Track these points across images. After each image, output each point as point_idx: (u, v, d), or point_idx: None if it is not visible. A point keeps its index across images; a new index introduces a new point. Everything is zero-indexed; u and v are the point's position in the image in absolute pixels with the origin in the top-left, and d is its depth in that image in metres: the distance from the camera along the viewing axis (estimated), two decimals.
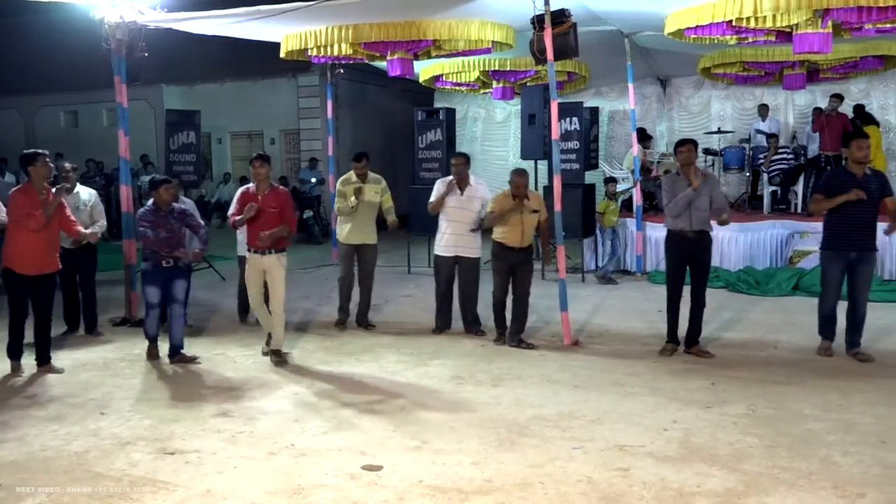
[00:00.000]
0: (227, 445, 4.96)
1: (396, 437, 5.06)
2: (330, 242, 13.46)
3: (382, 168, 19.21)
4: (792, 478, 4.34)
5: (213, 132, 19.36)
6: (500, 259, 7.40)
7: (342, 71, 12.91)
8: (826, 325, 6.87)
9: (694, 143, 7.04)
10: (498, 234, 7.35)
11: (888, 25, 8.77)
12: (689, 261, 6.88)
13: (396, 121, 18.15)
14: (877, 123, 12.29)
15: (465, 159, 7.95)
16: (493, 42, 9.63)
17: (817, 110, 12.80)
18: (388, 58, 9.88)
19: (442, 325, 7.97)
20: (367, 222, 8.22)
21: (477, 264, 7.82)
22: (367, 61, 11.15)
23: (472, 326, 7.86)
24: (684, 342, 6.95)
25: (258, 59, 14.34)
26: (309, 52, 10.07)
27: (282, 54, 10.11)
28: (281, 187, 7.21)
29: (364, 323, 8.30)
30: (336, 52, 10.09)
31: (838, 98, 12.37)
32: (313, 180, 16.87)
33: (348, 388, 6.17)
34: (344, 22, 9.18)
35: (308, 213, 15.74)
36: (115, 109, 9.15)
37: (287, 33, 9.70)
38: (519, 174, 7.32)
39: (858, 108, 12.75)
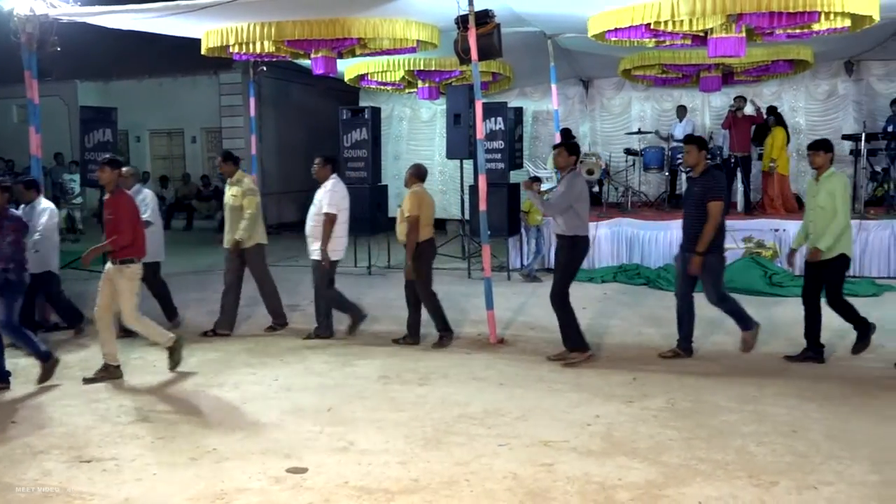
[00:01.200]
0: (146, 452, 4.83)
1: (322, 439, 5.02)
2: None
3: (306, 167, 19.00)
4: (709, 468, 4.47)
5: (131, 130, 18.83)
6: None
7: (265, 68, 12.70)
8: (683, 324, 6.92)
9: (566, 145, 7.07)
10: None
11: (797, 31, 9.14)
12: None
13: (321, 119, 17.96)
14: (784, 125, 12.78)
15: (324, 161, 7.74)
16: (417, 41, 9.64)
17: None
18: (312, 56, 9.78)
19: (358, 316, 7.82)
20: (232, 226, 7.84)
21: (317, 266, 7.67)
22: (290, 59, 11.02)
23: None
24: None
25: (178, 55, 14.01)
26: (230, 50, 9.90)
27: (203, 51, 9.90)
28: (126, 193, 6.71)
29: (272, 324, 8.10)
30: (258, 50, 9.95)
31: (742, 99, 12.81)
32: None
33: (273, 390, 6.09)
34: (266, 19, 9.04)
35: None
36: (25, 106, 8.80)
37: (207, 29, 9.50)
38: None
39: (771, 110, 13.22)
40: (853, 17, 8.46)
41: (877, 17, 8.52)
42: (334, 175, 7.63)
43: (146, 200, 7.81)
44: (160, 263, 8.22)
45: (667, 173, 13.32)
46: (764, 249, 10.51)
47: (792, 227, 10.08)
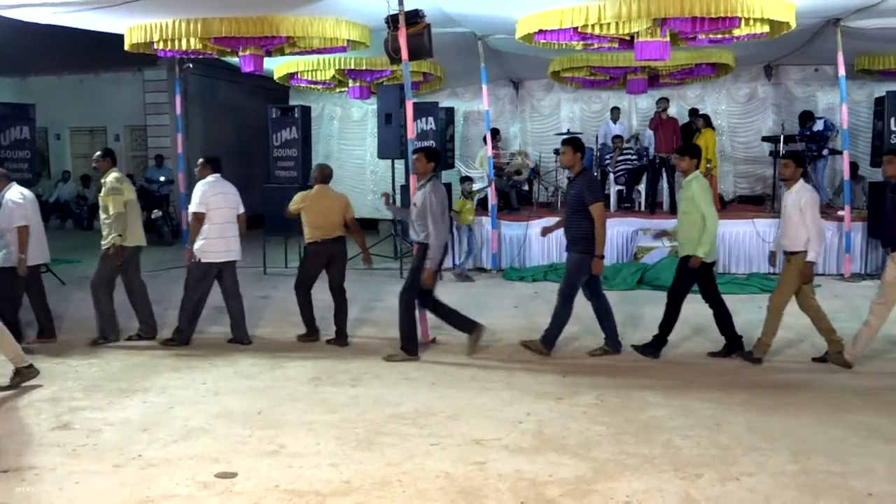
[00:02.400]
0: (67, 460, 4.67)
1: (252, 442, 4.94)
2: (180, 243, 12.99)
3: (236, 166, 18.70)
4: (637, 462, 4.57)
5: (51, 128, 18.22)
6: None
7: (191, 66, 12.46)
8: (603, 322, 7.04)
9: (425, 150, 7.04)
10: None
11: (719, 36, 9.43)
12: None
13: (250, 118, 17.68)
14: (713, 126, 13.16)
15: (204, 162, 7.50)
16: (348, 41, 9.59)
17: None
18: (240, 54, 9.63)
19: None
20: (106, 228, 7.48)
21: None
22: (217, 57, 10.82)
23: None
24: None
25: (100, 50, 13.56)
26: (155, 46, 9.66)
27: (126, 47, 9.65)
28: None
29: (138, 332, 7.66)
30: (184, 47, 9.75)
31: (665, 101, 13.13)
32: (162, 179, 16.19)
33: (201, 394, 5.97)
34: (192, 15, 8.87)
35: (157, 214, 15.06)
36: None
37: (130, 25, 9.26)
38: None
39: (693, 112, 13.58)
40: (771, 23, 8.79)
41: (793, 24, 8.87)
42: (214, 174, 7.39)
43: (17, 201, 7.14)
44: (42, 266, 7.84)
45: (596, 173, 13.53)
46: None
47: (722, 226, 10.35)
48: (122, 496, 4.18)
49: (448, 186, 11.42)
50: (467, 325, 7.10)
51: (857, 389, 5.93)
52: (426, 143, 10.58)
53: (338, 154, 16.37)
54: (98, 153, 7.61)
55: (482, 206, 12.13)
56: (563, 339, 7.44)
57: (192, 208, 7.27)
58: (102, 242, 7.47)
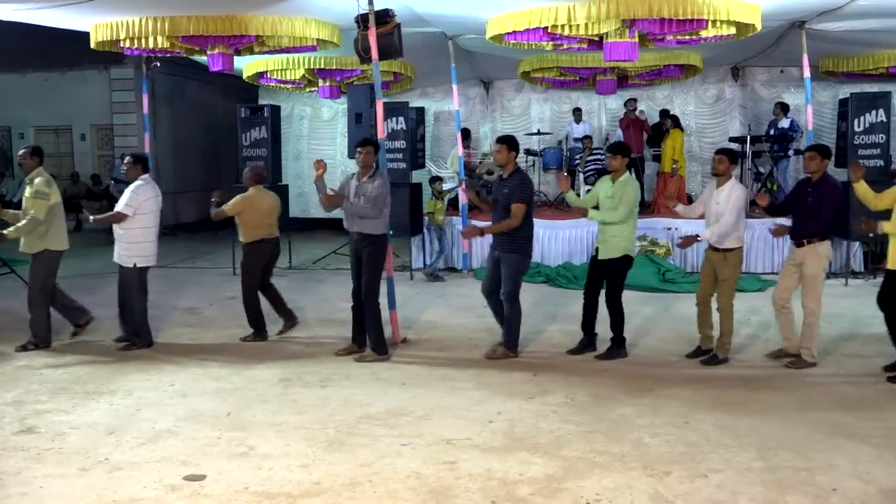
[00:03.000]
0: (31, 464, 4.60)
1: (221, 444, 4.90)
2: None
3: (205, 166, 18.57)
4: (606, 460, 4.60)
5: (14, 126, 17.94)
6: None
7: (158, 64, 12.32)
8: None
9: (375, 143, 7.07)
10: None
11: (687, 37, 9.52)
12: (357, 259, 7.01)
13: (219, 117, 17.54)
14: (681, 127, 13.30)
15: (133, 160, 7.29)
16: (317, 40, 9.54)
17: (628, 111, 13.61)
18: (209, 53, 9.54)
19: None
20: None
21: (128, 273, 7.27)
22: (185, 55, 10.71)
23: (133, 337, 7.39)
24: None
25: (65, 48, 13.43)
26: (121, 44, 9.54)
27: (92, 45, 9.51)
28: None
29: (29, 342, 7.29)
30: (151, 45, 9.64)
31: (634, 101, 13.24)
32: None
33: (169, 396, 5.91)
34: (159, 13, 8.76)
35: None
36: None
37: (96, 22, 9.13)
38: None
39: (665, 112, 13.72)
40: (738, 25, 8.89)
41: (759, 26, 8.98)
42: (145, 175, 7.22)
43: None
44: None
45: (566, 173, 13.61)
46: (658, 247, 10.89)
47: (684, 225, 10.48)
48: (88, 500, 4.12)
49: (419, 186, 11.44)
50: (289, 315, 7.77)
51: (822, 387, 6.02)
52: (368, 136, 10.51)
53: (308, 154, 16.26)
54: (25, 150, 7.26)
55: (453, 206, 12.14)
56: (533, 338, 7.48)
57: (119, 208, 7.11)
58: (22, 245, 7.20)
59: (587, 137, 13.39)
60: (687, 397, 5.76)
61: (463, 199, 11.57)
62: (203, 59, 10.24)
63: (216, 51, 9.44)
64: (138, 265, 7.18)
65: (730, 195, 6.54)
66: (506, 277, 6.79)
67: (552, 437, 4.99)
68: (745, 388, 5.99)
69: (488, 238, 7.19)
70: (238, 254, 11.59)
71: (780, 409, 5.50)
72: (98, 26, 9.15)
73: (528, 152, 14.02)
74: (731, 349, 6.79)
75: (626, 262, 6.86)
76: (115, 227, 7.18)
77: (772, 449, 4.74)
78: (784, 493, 4.13)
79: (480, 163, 13.14)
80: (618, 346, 6.93)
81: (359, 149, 6.91)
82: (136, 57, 11.92)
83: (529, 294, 7.70)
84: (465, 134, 13.25)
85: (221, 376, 6.43)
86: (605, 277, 6.94)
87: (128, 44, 9.53)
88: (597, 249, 6.95)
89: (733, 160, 6.74)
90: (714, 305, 6.73)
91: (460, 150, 11.82)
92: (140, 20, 8.84)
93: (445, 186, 11.69)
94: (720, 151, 6.80)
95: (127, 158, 7.41)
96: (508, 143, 6.79)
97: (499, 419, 5.31)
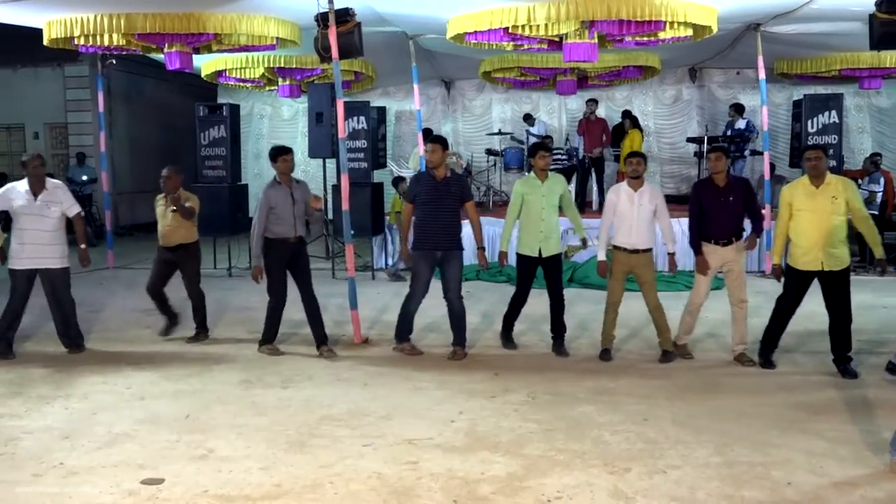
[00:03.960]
0: None
1: (180, 447, 4.83)
2: (104, 244, 12.63)
3: (163, 166, 18.30)
4: (567, 458, 4.63)
5: None
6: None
7: (114, 62, 12.12)
8: (404, 325, 7.08)
9: (287, 150, 7.12)
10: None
11: (645, 38, 9.64)
12: (290, 264, 7.06)
13: (177, 116, 17.29)
14: (640, 127, 13.45)
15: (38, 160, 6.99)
16: (277, 39, 9.46)
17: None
18: (166, 50, 9.41)
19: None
20: None
21: (60, 274, 6.98)
22: (142, 53, 10.55)
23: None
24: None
25: (18, 45, 13.13)
26: (75, 41, 9.37)
27: (45, 42, 9.31)
28: None
29: None
30: (106, 43, 9.48)
31: (594, 102, 13.37)
32: (84, 178, 15.72)
33: (125, 399, 5.81)
34: (115, 10, 8.62)
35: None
36: None
37: (49, 19, 8.95)
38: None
39: (626, 112, 13.88)
40: (695, 27, 9.03)
41: (715, 28, 9.13)
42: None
43: None
44: None
45: (526, 173, 13.68)
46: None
47: None
48: None
49: (380, 186, 11.41)
50: (173, 316, 7.73)
51: (778, 383, 6.12)
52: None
53: (268, 153, 16.13)
54: None
55: None
56: (494, 338, 7.49)
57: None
58: None
59: (548, 137, 13.48)
60: (646, 395, 5.82)
61: None
62: (160, 56, 10.10)
63: (173, 49, 9.32)
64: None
65: (652, 197, 6.72)
66: (457, 276, 6.91)
67: (513, 435, 5.01)
68: (704, 386, 6.07)
69: None
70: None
71: (737, 405, 5.58)
72: (52, 23, 8.98)
73: (489, 152, 14.08)
74: (689, 346, 6.92)
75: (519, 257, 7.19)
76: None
77: (729, 444, 4.81)
78: (740, 488, 4.20)
79: None
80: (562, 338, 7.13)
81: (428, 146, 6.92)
82: (92, 54, 11.72)
83: (491, 294, 7.75)
84: (427, 133, 13.23)
85: (180, 378, 6.34)
86: (553, 275, 7.11)
87: (82, 41, 9.35)
88: (540, 249, 7.03)
89: (645, 162, 6.92)
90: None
91: (421, 149, 11.79)
92: (95, 17, 8.69)
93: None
94: (636, 154, 6.95)
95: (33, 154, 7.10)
96: (443, 143, 6.88)
97: (460, 418, 5.32)
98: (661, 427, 5.13)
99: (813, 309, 8.38)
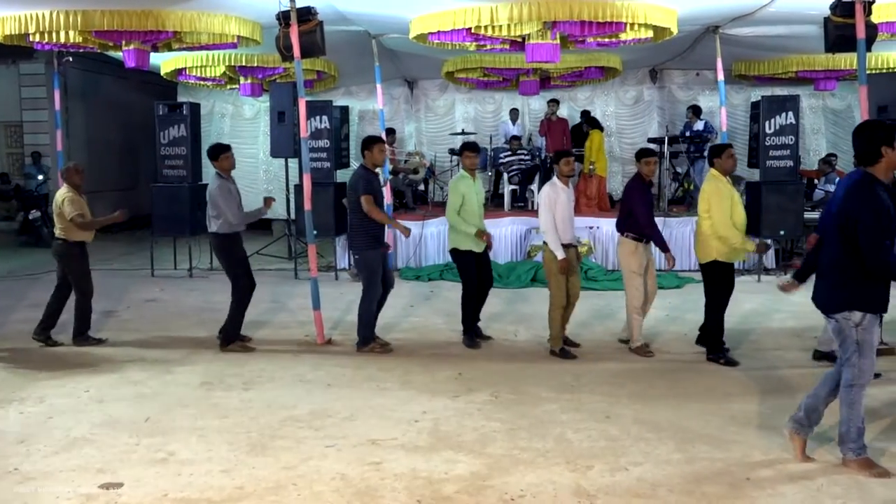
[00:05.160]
0: None
1: (139, 451, 4.76)
2: None
3: (121, 165, 18.04)
4: (530, 456, 4.65)
5: None
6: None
7: (70, 59, 11.89)
8: (371, 326, 7.14)
9: (228, 147, 7.44)
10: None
11: (606, 40, 9.72)
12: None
13: (136, 115, 17.02)
14: (601, 128, 13.56)
15: None
16: (238, 37, 9.36)
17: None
18: (124, 48, 9.24)
19: None
20: None
21: None
22: (99, 51, 10.37)
23: None
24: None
25: None
26: (31, 38, 9.17)
27: None
28: None
29: None
30: (63, 40, 9.29)
31: (555, 103, 13.44)
32: (40, 178, 15.42)
33: (83, 402, 5.71)
34: (71, 6, 8.45)
35: (35, 214, 14.34)
36: None
37: (3, 15, 8.75)
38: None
39: (585, 113, 13.98)
40: (655, 28, 9.12)
41: (675, 30, 9.24)
42: None
43: None
44: None
45: (490, 173, 13.73)
46: (580, 246, 11.06)
47: (606, 224, 10.69)
48: None
49: (343, 186, 11.34)
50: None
51: (738, 380, 6.22)
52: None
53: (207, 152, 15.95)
54: None
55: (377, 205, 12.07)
56: (458, 337, 7.51)
57: None
58: None
59: (515, 138, 13.56)
60: (608, 392, 5.88)
61: (388, 199, 11.53)
62: (118, 54, 9.93)
63: (131, 47, 9.15)
64: None
65: (571, 195, 7.02)
66: (364, 280, 7.13)
67: (477, 435, 5.02)
68: (665, 383, 6.14)
69: (414, 238, 7.42)
70: (157, 255, 11.35)
71: (697, 401, 5.66)
72: (5, 19, 8.77)
73: (453, 152, 14.05)
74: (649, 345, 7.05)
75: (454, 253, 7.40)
76: None
77: (689, 441, 4.87)
78: (701, 484, 4.26)
79: (405, 162, 13.14)
80: (471, 333, 7.35)
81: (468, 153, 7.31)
82: (47, 52, 11.48)
83: (454, 293, 7.75)
84: (390, 133, 13.23)
85: (139, 381, 6.25)
86: (487, 267, 7.40)
87: (38, 38, 9.16)
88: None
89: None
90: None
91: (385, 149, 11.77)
92: (50, 13, 8.51)
93: None
94: (567, 153, 7.20)
95: None
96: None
97: (424, 418, 5.32)
98: (623, 425, 5.18)
99: (772, 307, 8.56)
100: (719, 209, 6.47)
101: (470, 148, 7.40)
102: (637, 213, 6.83)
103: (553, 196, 6.83)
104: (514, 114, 14.42)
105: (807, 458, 4.56)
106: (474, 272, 7.27)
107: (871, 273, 4.24)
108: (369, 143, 7.14)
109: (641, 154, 7.09)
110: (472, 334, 7.33)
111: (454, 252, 7.32)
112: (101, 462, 4.58)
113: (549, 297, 6.89)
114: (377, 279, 7.00)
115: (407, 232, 7.13)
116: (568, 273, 6.84)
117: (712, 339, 6.72)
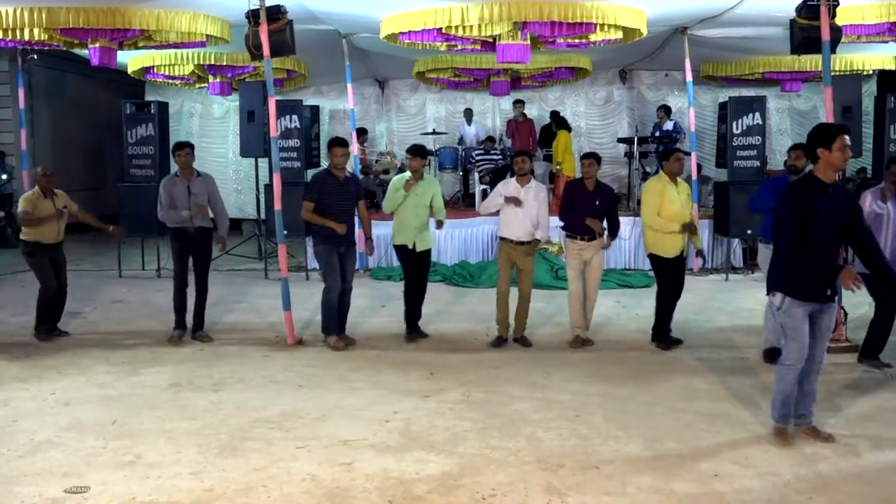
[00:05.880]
0: None
1: (107, 454, 4.70)
2: None
3: (88, 164, 17.80)
4: (502, 456, 4.67)
5: None
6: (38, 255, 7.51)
7: (35, 57, 11.71)
8: (329, 318, 7.23)
9: (183, 145, 7.54)
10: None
11: (577, 40, 9.78)
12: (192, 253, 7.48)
13: (103, 113, 16.79)
14: (568, 128, 13.63)
15: None
16: (207, 35, 9.27)
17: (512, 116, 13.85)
18: (90, 46, 9.12)
19: None
20: None
21: None
22: (65, 48, 10.22)
23: None
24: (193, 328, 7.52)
25: None
26: None
27: None
28: None
29: None
30: (27, 37, 9.15)
31: (521, 103, 13.49)
32: (3, 177, 15.14)
33: (49, 405, 5.62)
34: (35, 3, 8.32)
35: None
36: None
37: None
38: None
39: (554, 114, 14.04)
40: (624, 29, 9.19)
41: (644, 31, 9.32)
42: None
43: None
44: None
45: (461, 173, 13.74)
46: (550, 245, 11.11)
47: None
48: None
49: None
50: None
51: (706, 378, 6.28)
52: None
53: (198, 152, 15.58)
54: None
55: None
56: (430, 337, 7.50)
57: None
58: None
59: (490, 139, 13.61)
60: (579, 391, 5.91)
61: None
62: (84, 52, 9.79)
63: (97, 44, 9.03)
64: None
65: (536, 192, 7.20)
66: (353, 269, 7.39)
67: (448, 434, 5.02)
68: (635, 382, 6.18)
69: (386, 238, 7.52)
70: (125, 255, 11.21)
71: (666, 399, 5.71)
72: None
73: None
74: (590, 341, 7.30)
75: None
76: None
77: (658, 439, 4.92)
78: (670, 481, 4.29)
79: (377, 161, 13.10)
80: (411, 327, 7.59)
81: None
82: (11, 49, 11.31)
83: (427, 293, 7.73)
84: (361, 133, 13.18)
85: (106, 383, 6.17)
86: (423, 267, 7.59)
87: (1, 35, 9.01)
88: (415, 243, 7.43)
89: (530, 159, 7.35)
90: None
91: (356, 149, 11.75)
92: (14, 10, 8.37)
93: None
94: (521, 153, 7.41)
95: None
96: (346, 145, 7.25)
97: (395, 418, 5.31)
98: (593, 423, 5.21)
99: (739, 305, 8.66)
100: (646, 204, 7.04)
101: (412, 151, 7.55)
102: (562, 209, 7.27)
103: (500, 189, 7.28)
104: (469, 114, 14.49)
105: (828, 437, 4.87)
106: (407, 269, 7.57)
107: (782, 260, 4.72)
108: (328, 145, 7.32)
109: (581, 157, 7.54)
110: (414, 329, 7.56)
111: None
112: (67, 466, 4.52)
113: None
114: (331, 271, 7.12)
115: (341, 229, 7.07)
116: (508, 263, 7.21)
117: (656, 326, 7.15)
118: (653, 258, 7.14)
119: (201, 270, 7.55)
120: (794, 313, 4.69)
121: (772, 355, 6.38)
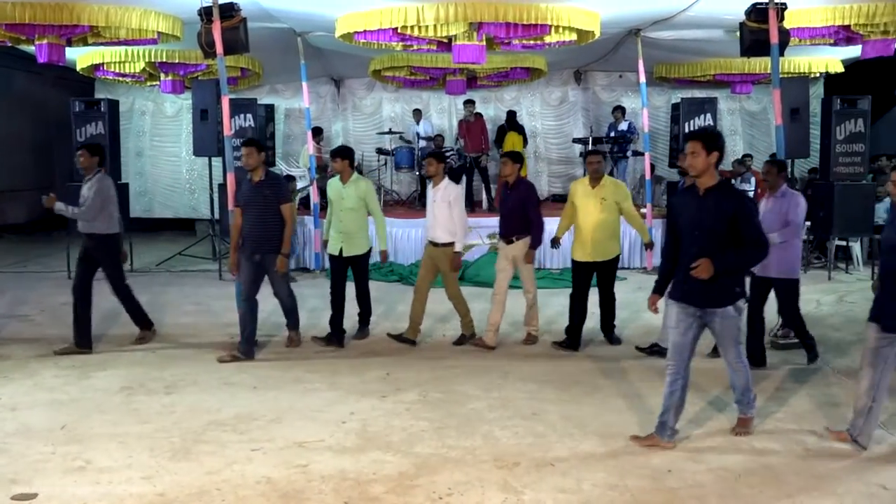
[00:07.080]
0: None
1: (55, 460, 4.60)
2: None
3: (36, 163, 17.41)
4: (458, 455, 4.68)
5: None
6: None
7: None
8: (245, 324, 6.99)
9: (88, 146, 7.21)
10: None
11: (532, 42, 9.85)
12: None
13: (52, 111, 16.43)
14: (520, 131, 13.73)
15: None
16: (158, 33, 9.13)
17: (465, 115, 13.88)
18: (37, 42, 8.91)
19: None
20: None
21: None
22: (11, 45, 9.96)
23: None
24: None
25: None
26: None
27: None
28: None
29: None
30: None
31: (471, 103, 13.56)
32: None
33: None
34: None
35: None
36: None
37: None
38: None
39: (510, 114, 14.12)
40: (578, 31, 9.28)
41: (598, 33, 9.42)
42: None
43: None
44: None
45: (417, 172, 13.73)
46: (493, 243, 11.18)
47: None
48: None
49: None
50: (144, 321, 7.44)
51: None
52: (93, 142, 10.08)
53: (151, 151, 15.57)
54: None
55: (304, 205, 11.97)
56: (382, 337, 7.48)
57: None
58: None
59: (439, 136, 13.57)
60: (535, 390, 5.95)
61: (315, 198, 11.43)
62: (31, 49, 9.57)
63: (44, 41, 8.83)
64: None
65: (446, 194, 7.16)
66: (278, 276, 7.00)
67: (405, 434, 5.02)
68: (591, 380, 6.25)
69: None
70: (73, 256, 10.97)
71: (621, 398, 5.78)
72: None
73: (380, 151, 14.04)
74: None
75: (369, 253, 7.52)
76: None
77: (613, 436, 4.97)
78: (624, 477, 4.35)
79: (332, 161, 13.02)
80: (366, 324, 7.64)
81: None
82: None
83: (383, 293, 7.75)
84: (317, 132, 13.10)
85: (55, 387, 6.04)
86: (357, 272, 7.48)
87: None
88: (341, 248, 7.32)
89: (440, 160, 7.30)
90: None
91: (311, 148, 11.68)
92: None
93: (299, 185, 11.50)
94: (430, 154, 7.51)
95: None
96: (256, 145, 6.83)
97: (352, 419, 5.29)
98: (549, 421, 5.25)
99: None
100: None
101: (336, 152, 7.44)
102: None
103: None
104: (418, 114, 14.47)
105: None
106: (333, 275, 7.42)
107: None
108: None
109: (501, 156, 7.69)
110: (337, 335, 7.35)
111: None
112: (14, 472, 4.41)
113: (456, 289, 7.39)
114: (242, 278, 6.89)
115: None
116: (428, 262, 7.27)
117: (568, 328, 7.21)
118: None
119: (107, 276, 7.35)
120: (668, 312, 4.89)
121: (652, 349, 6.80)
